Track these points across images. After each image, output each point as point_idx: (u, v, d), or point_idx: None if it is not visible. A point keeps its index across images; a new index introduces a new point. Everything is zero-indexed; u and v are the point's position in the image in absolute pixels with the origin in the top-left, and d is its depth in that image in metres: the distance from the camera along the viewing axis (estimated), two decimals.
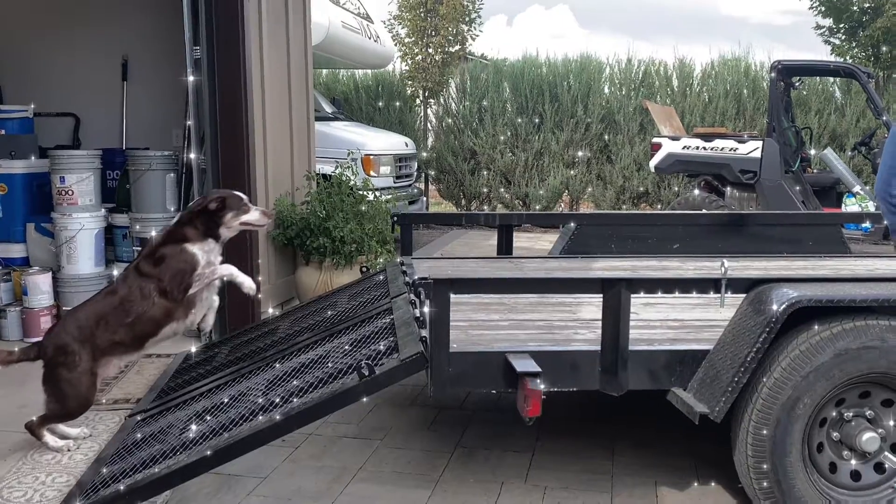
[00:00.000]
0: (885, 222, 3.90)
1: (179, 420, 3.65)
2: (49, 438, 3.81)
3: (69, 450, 3.80)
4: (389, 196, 8.62)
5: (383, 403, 4.50)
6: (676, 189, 12.30)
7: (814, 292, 3.06)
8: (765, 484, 3.07)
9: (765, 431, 3.02)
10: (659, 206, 12.51)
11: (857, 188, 8.86)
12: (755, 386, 3.05)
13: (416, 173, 11.22)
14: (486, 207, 13.63)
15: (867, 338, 3.01)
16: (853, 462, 3.17)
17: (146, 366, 5.14)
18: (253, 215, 4.08)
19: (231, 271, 4.05)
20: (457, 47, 14.59)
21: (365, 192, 6.57)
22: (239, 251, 5.48)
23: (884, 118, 8.67)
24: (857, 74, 9.07)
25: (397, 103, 14.25)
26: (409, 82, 14.63)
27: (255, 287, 4.08)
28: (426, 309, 3.13)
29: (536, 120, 13.42)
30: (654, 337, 3.50)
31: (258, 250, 5.73)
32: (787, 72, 9.29)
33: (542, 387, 2.92)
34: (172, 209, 6.00)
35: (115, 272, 6.12)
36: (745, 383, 3.01)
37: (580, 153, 13.27)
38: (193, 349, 5.12)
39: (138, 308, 3.83)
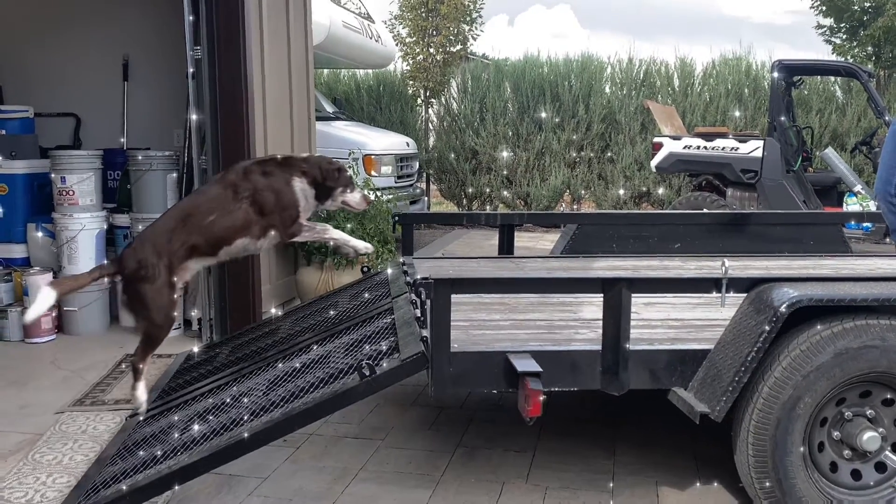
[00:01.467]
0: (886, 222, 3.90)
1: (180, 420, 3.65)
2: (141, 388, 3.87)
3: (146, 412, 3.87)
4: (391, 196, 8.62)
5: (384, 403, 4.50)
6: (678, 188, 12.30)
7: (814, 292, 3.06)
8: (766, 483, 3.07)
9: (765, 431, 3.02)
10: (664, 206, 12.50)
11: (858, 187, 8.85)
12: (756, 385, 3.05)
13: (417, 173, 11.21)
14: (487, 207, 13.63)
15: (868, 337, 3.01)
16: (854, 461, 3.17)
17: (147, 366, 5.13)
18: (356, 196, 4.08)
19: (343, 237, 4.07)
20: (458, 47, 14.57)
21: (366, 192, 6.56)
22: None
23: (885, 118, 8.66)
24: (858, 74, 9.07)
25: (399, 103, 14.25)
26: (411, 82, 14.62)
27: (371, 248, 4.09)
28: (427, 309, 3.12)
29: (538, 119, 13.42)
30: (655, 336, 3.49)
31: None
32: (788, 71, 9.28)
33: (544, 388, 2.92)
34: None
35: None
36: (745, 383, 3.01)
37: (581, 153, 13.27)
38: (195, 349, 5.13)
39: (222, 216, 3.83)
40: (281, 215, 3.89)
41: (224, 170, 4.00)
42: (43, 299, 3.70)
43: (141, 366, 3.85)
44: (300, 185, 3.93)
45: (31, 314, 3.83)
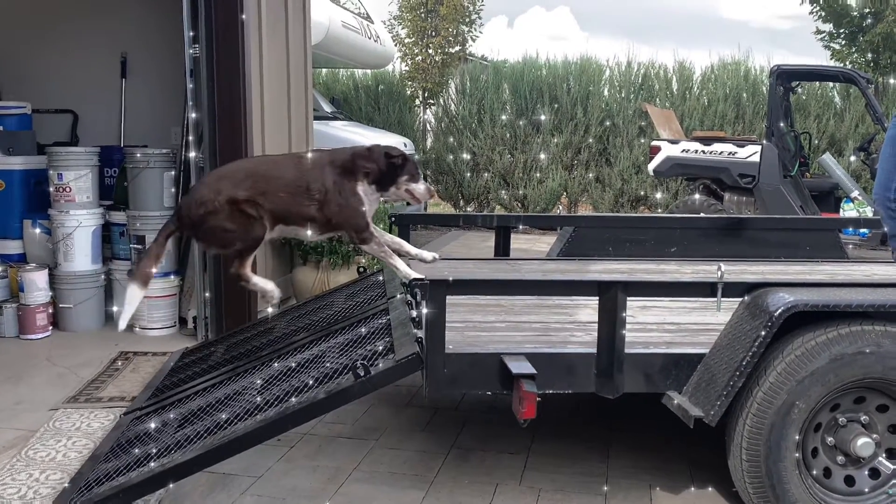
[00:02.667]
0: (885, 227, 3.91)
1: (174, 418, 3.65)
2: (258, 280, 3.84)
3: (273, 298, 3.87)
4: None
5: (379, 404, 4.50)
6: (675, 192, 12.31)
7: (810, 297, 3.06)
8: (759, 488, 3.07)
9: (759, 436, 3.03)
10: (660, 210, 12.52)
11: (855, 193, 8.86)
12: (750, 390, 3.05)
13: None
14: (484, 209, 13.63)
15: (863, 343, 3.01)
16: (848, 467, 3.17)
17: (142, 363, 5.14)
18: (420, 186, 3.97)
19: (402, 266, 3.91)
20: (457, 48, 14.62)
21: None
22: None
23: (883, 124, 8.67)
24: (856, 80, 9.08)
25: (397, 104, 14.26)
26: (409, 83, 14.66)
27: (416, 276, 3.79)
28: (423, 310, 3.12)
29: (536, 121, 13.42)
30: (650, 340, 3.49)
31: None
32: (787, 76, 9.29)
33: (539, 390, 2.92)
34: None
35: (113, 269, 6.14)
36: (740, 387, 3.01)
37: (579, 155, 13.28)
38: (189, 347, 5.12)
39: (292, 202, 3.77)
40: (350, 223, 3.82)
41: (313, 155, 3.94)
42: (132, 299, 3.72)
43: (244, 270, 3.78)
44: (363, 189, 3.84)
45: (125, 318, 3.76)
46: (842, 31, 14.80)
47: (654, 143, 10.03)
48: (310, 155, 3.92)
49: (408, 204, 9.78)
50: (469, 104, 13.97)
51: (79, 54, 7.19)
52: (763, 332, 2.97)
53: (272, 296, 3.87)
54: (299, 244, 6.17)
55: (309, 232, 3.90)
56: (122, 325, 3.77)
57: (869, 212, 8.46)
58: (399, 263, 3.83)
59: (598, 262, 5.18)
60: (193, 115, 5.55)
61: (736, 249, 5.30)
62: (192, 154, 5.62)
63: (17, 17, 7.28)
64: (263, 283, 3.86)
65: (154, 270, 3.89)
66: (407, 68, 14.61)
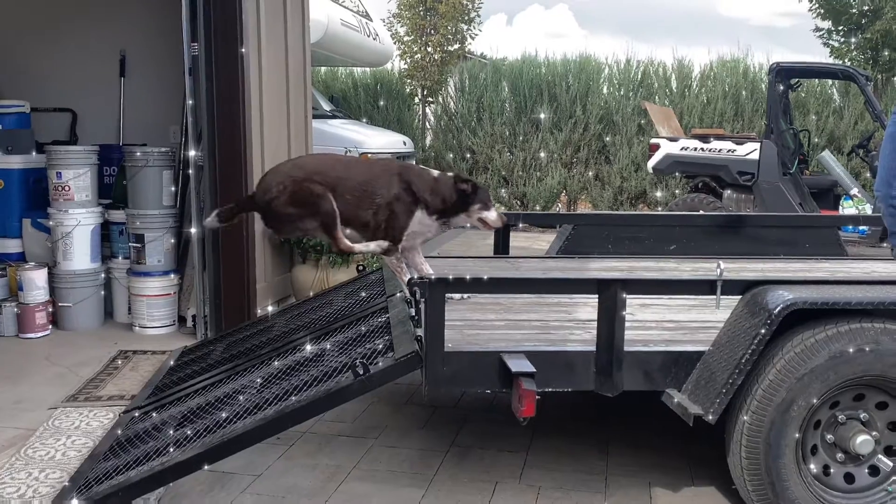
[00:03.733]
0: (885, 223, 3.90)
1: (174, 417, 3.65)
2: (360, 246, 3.88)
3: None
4: None
5: (378, 402, 4.50)
6: (677, 191, 12.31)
7: (809, 294, 3.06)
8: (758, 486, 3.07)
9: (759, 433, 3.03)
10: (659, 208, 12.52)
11: (854, 191, 8.87)
12: (750, 388, 3.05)
13: None
14: None
15: (862, 341, 3.01)
16: (847, 465, 3.17)
17: (141, 362, 5.14)
18: (492, 214, 4.01)
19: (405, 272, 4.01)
20: (456, 46, 14.58)
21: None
22: (236, 248, 5.49)
23: (882, 121, 8.67)
24: (855, 77, 9.08)
25: (396, 102, 14.25)
26: (408, 81, 14.63)
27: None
28: (422, 308, 3.12)
29: (535, 119, 13.42)
30: (650, 338, 3.49)
31: (254, 247, 5.73)
32: (786, 74, 9.29)
33: (538, 388, 2.92)
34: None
35: (111, 268, 6.14)
36: (739, 385, 3.01)
37: (578, 153, 13.28)
38: (189, 346, 5.12)
39: (356, 205, 3.82)
40: (388, 234, 3.87)
41: (384, 163, 4.03)
42: (210, 223, 4.18)
43: (341, 245, 3.81)
44: (419, 217, 3.88)
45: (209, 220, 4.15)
46: (841, 28, 14.80)
47: (654, 140, 10.04)
48: (381, 161, 3.96)
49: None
50: (468, 102, 13.96)
51: (78, 53, 7.17)
52: (762, 330, 2.97)
53: (383, 248, 3.85)
54: (298, 242, 6.17)
55: (357, 236, 3.97)
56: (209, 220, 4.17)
57: (868, 209, 8.47)
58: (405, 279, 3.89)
59: (598, 259, 5.18)
60: (192, 113, 5.55)
61: (735, 247, 5.30)
62: (191, 152, 5.62)
63: (16, 15, 7.27)
64: (364, 247, 3.87)
65: (234, 218, 4.13)
66: (406, 66, 14.58)
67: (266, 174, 3.97)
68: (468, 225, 4.07)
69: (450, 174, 4.01)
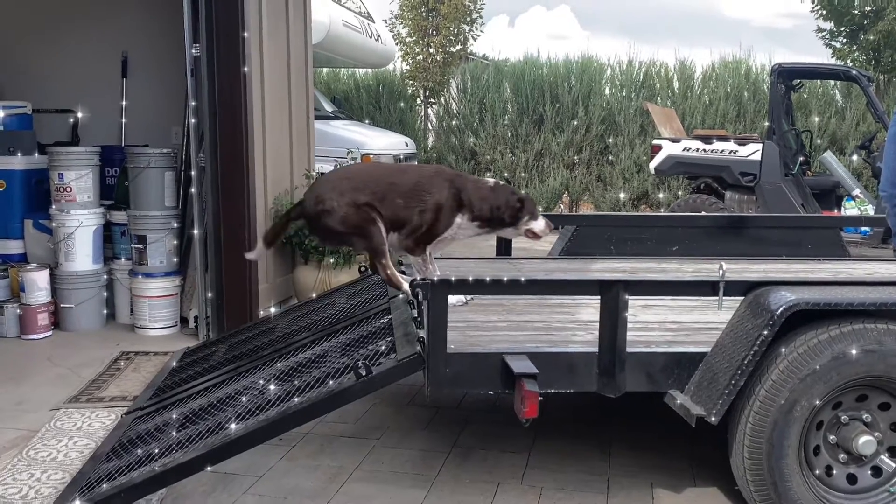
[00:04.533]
0: (889, 223, 3.91)
1: (176, 418, 3.64)
2: (397, 277, 3.86)
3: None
4: None
5: (380, 403, 4.50)
6: (677, 191, 12.31)
7: (812, 295, 3.06)
8: (761, 486, 3.07)
9: (761, 434, 3.02)
10: (662, 209, 12.52)
11: (856, 191, 8.86)
12: (752, 388, 3.04)
13: None
14: None
15: (865, 341, 3.01)
16: (850, 465, 3.17)
17: (143, 363, 5.14)
18: (539, 224, 4.02)
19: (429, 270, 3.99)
20: (458, 47, 14.58)
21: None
22: (237, 249, 5.49)
23: (884, 122, 8.66)
24: (857, 78, 9.07)
25: (398, 103, 14.25)
26: (410, 82, 14.64)
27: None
28: (424, 309, 3.12)
29: (537, 120, 13.41)
30: (652, 339, 3.49)
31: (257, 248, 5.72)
32: (788, 75, 9.29)
33: (541, 390, 2.92)
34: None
35: (114, 269, 6.15)
36: (742, 386, 3.00)
37: (580, 154, 13.27)
38: (191, 347, 5.12)
39: (404, 208, 3.83)
40: (422, 234, 3.88)
41: (435, 171, 4.03)
42: (259, 253, 4.09)
43: (385, 266, 3.80)
44: (459, 221, 3.91)
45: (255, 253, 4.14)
46: (843, 29, 14.80)
47: (656, 141, 10.04)
48: (434, 166, 3.97)
49: None
50: (470, 103, 13.97)
51: (79, 54, 7.19)
52: (765, 331, 2.97)
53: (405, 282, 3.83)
54: (300, 243, 6.17)
55: (397, 242, 3.97)
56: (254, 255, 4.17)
57: (870, 210, 8.46)
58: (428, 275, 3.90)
59: (600, 260, 5.18)
60: (194, 114, 5.55)
61: (737, 248, 5.30)
62: (193, 154, 5.63)
63: (18, 16, 7.28)
64: (399, 280, 3.85)
65: (276, 240, 4.15)
66: (408, 67, 14.58)
67: (318, 185, 3.91)
68: (514, 237, 4.14)
69: (502, 183, 4.02)
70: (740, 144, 9.30)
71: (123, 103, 7.26)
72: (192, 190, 5.68)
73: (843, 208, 8.96)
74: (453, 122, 14.13)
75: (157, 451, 3.27)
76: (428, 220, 3.84)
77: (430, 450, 3.95)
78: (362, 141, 9.78)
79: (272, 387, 3.49)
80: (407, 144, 10.92)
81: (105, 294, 6.09)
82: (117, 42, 7.19)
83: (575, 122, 13.23)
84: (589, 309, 3.81)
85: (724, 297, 3.18)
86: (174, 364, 4.81)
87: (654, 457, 3.85)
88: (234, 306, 5.52)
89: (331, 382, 3.24)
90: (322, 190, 3.83)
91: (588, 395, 3.26)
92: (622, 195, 12.84)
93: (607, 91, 13.68)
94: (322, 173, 7.02)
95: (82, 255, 5.94)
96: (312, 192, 3.89)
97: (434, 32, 14.34)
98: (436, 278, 3.70)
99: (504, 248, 5.45)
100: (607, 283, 3.15)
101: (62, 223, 5.91)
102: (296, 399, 3.23)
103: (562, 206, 13.61)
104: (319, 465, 3.77)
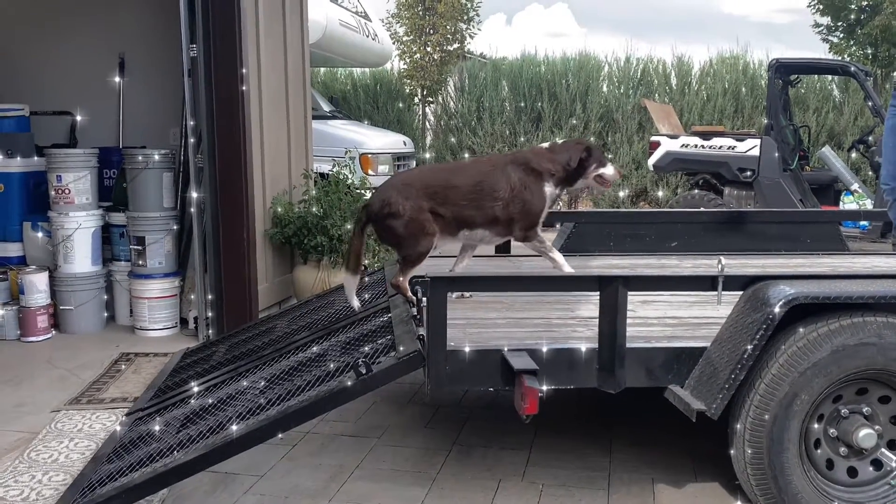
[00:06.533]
0: (891, 216, 3.90)
1: (176, 418, 3.65)
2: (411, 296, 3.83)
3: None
4: None
5: (381, 401, 4.50)
6: (675, 187, 12.30)
7: (811, 289, 3.06)
8: (762, 480, 3.07)
9: (762, 428, 3.02)
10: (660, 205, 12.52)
11: (854, 186, 8.86)
12: (752, 383, 3.05)
13: None
14: None
15: (864, 334, 3.01)
16: (850, 459, 3.17)
17: (143, 364, 5.14)
18: (609, 169, 4.08)
19: (560, 260, 4.09)
20: (455, 46, 14.57)
21: (363, 191, 6.57)
22: (237, 249, 5.50)
23: (882, 116, 8.66)
24: (855, 73, 9.07)
25: (396, 102, 14.25)
26: (408, 81, 14.63)
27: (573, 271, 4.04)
28: (424, 307, 3.12)
29: (535, 118, 13.41)
30: (652, 334, 3.49)
31: (255, 249, 5.73)
32: (786, 70, 9.29)
33: (541, 386, 2.92)
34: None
35: (113, 270, 6.14)
36: (742, 380, 3.01)
37: None
38: (191, 348, 5.12)
39: (474, 206, 3.86)
40: (523, 220, 3.95)
41: (495, 159, 4.05)
42: (349, 286, 3.93)
43: (402, 280, 3.81)
44: (549, 190, 3.97)
45: (352, 300, 3.96)
46: (840, 24, 14.81)
47: (654, 138, 10.04)
48: (488, 159, 4.00)
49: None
50: (468, 102, 13.97)
51: (76, 55, 7.18)
52: (764, 325, 2.97)
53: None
54: (299, 243, 6.17)
55: (496, 238, 4.07)
56: (355, 304, 3.99)
57: (869, 204, 8.46)
58: (558, 257, 4.07)
59: (599, 257, 5.18)
60: (191, 115, 5.55)
61: (736, 243, 5.29)
62: (191, 154, 5.62)
63: (15, 17, 7.28)
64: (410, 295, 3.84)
65: (362, 260, 4.06)
66: (405, 66, 14.57)
67: (385, 189, 3.92)
68: (584, 189, 4.19)
69: (559, 141, 4.06)
70: (738, 140, 9.30)
71: (121, 105, 7.26)
72: (191, 191, 5.68)
73: (841, 203, 8.96)
74: (451, 121, 14.13)
75: (157, 451, 3.27)
76: (518, 207, 3.89)
77: (431, 447, 3.95)
78: (360, 140, 9.78)
79: (272, 386, 3.49)
80: (405, 144, 10.92)
81: (104, 296, 6.09)
82: (114, 43, 7.19)
83: (573, 120, 13.23)
84: (588, 305, 3.81)
85: (723, 292, 3.18)
86: (174, 365, 4.82)
87: (655, 452, 3.86)
88: (233, 307, 5.52)
89: (331, 381, 3.24)
90: (389, 194, 3.84)
91: (588, 391, 3.26)
92: (621, 192, 12.84)
93: (605, 88, 13.69)
94: (321, 174, 7.05)
95: (81, 257, 5.94)
96: (379, 196, 3.89)
97: (431, 31, 14.33)
98: (566, 271, 3.93)
99: (503, 246, 5.45)
100: (607, 279, 3.16)
101: (61, 225, 5.91)
102: (296, 398, 3.23)
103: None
104: (320, 464, 3.77)
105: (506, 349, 3.15)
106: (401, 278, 3.79)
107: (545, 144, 4.07)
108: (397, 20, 14.65)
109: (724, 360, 3.06)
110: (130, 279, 5.96)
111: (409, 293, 3.74)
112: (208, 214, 5.51)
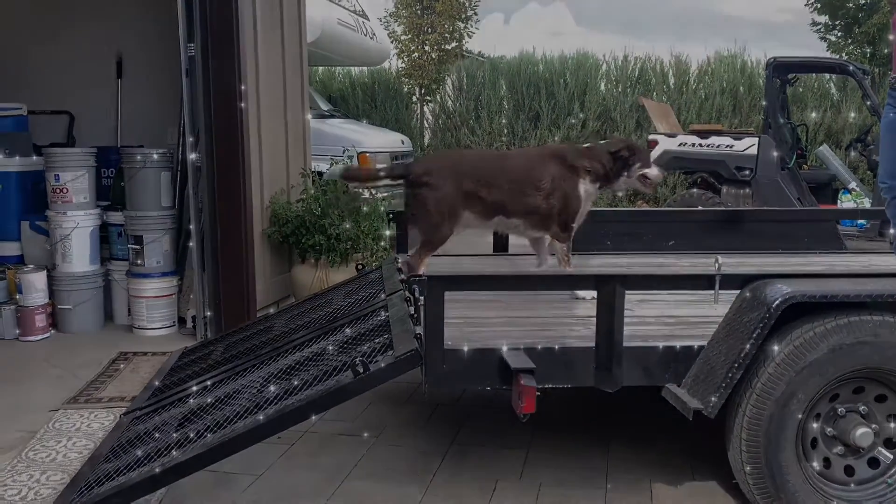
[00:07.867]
0: (888, 215, 3.91)
1: (174, 418, 3.64)
2: (422, 267, 3.90)
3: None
4: (386, 193, 8.61)
5: (378, 401, 4.50)
6: (673, 185, 12.31)
7: (808, 288, 3.06)
8: (759, 479, 3.07)
9: (759, 427, 3.03)
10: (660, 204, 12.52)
11: (852, 184, 8.87)
12: (749, 381, 3.05)
13: None
14: None
15: (861, 333, 3.01)
16: (847, 457, 3.17)
17: (141, 364, 5.14)
18: (654, 170, 4.13)
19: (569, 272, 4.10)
20: (453, 44, 14.58)
21: (360, 190, 6.56)
22: (235, 248, 5.49)
23: (880, 115, 8.65)
24: (852, 72, 9.07)
25: (394, 101, 14.25)
26: (406, 80, 14.63)
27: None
28: (421, 306, 3.12)
29: (533, 117, 13.42)
30: (649, 333, 3.49)
31: (253, 248, 5.73)
32: (783, 69, 9.29)
33: (538, 385, 2.93)
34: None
35: (110, 269, 6.14)
36: (739, 379, 3.01)
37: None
38: (189, 347, 5.12)
39: (516, 193, 3.90)
40: (560, 218, 3.99)
41: (540, 150, 4.12)
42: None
43: (419, 266, 3.85)
44: (584, 188, 4.01)
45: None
46: (837, 22, 14.82)
47: (652, 136, 10.03)
48: (536, 149, 4.03)
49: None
50: (466, 101, 13.97)
51: (74, 55, 7.18)
52: (761, 324, 2.97)
53: None
54: (297, 242, 6.16)
55: (529, 231, 4.10)
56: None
57: (866, 203, 8.47)
58: (569, 270, 4.07)
59: (597, 256, 5.18)
60: (189, 114, 5.54)
61: (734, 242, 5.29)
62: (189, 154, 5.62)
63: (13, 17, 7.27)
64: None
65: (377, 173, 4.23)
66: (403, 65, 14.58)
67: (432, 159, 3.97)
68: (627, 189, 4.29)
69: (602, 141, 4.11)
70: (736, 139, 9.29)
71: (119, 104, 7.25)
72: (189, 190, 5.67)
73: (839, 201, 8.96)
74: (449, 120, 14.13)
75: (155, 450, 3.27)
76: (559, 200, 3.92)
77: (429, 447, 3.95)
78: (358, 139, 9.76)
79: (270, 385, 3.49)
80: (403, 142, 10.91)
81: (102, 295, 6.09)
82: (112, 43, 7.19)
83: (571, 119, 13.23)
84: (586, 304, 3.81)
85: (720, 291, 3.18)
86: (172, 364, 4.81)
87: (653, 451, 3.86)
88: (231, 306, 5.52)
89: (329, 380, 3.24)
90: (434, 165, 3.87)
91: (586, 390, 3.27)
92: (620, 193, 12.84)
93: (603, 87, 13.69)
94: (320, 173, 7.04)
95: (79, 256, 5.94)
96: (426, 163, 3.93)
97: (429, 30, 14.34)
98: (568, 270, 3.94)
99: (501, 245, 5.45)
100: (604, 278, 3.16)
101: (59, 224, 5.90)
102: (294, 397, 3.23)
103: None
104: (318, 463, 3.77)
105: (503, 348, 3.16)
106: (417, 257, 3.81)
107: (589, 144, 4.11)
108: (395, 19, 14.67)
109: (720, 359, 3.07)
110: (128, 278, 5.96)
111: (419, 271, 3.78)
112: (206, 213, 5.51)
